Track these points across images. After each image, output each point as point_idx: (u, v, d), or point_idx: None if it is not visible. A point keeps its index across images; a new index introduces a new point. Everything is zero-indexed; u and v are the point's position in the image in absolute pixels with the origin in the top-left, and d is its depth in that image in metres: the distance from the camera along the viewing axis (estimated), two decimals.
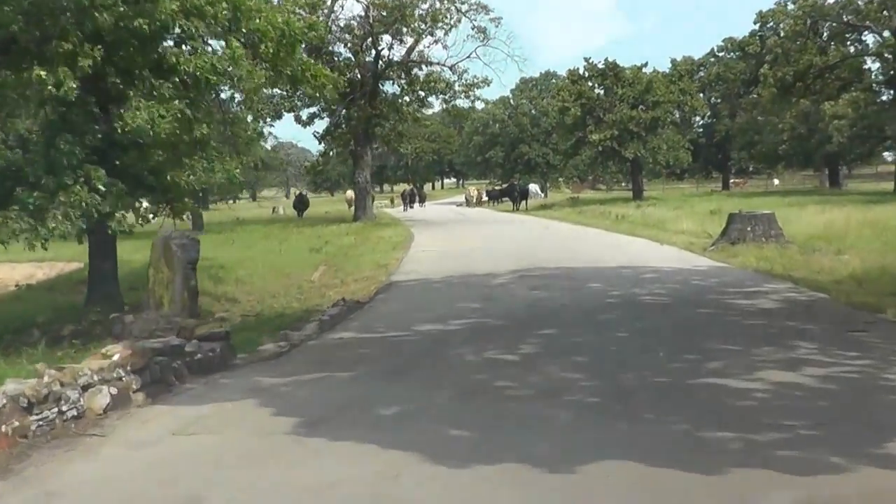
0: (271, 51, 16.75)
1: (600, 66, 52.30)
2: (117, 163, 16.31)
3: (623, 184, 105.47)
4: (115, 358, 7.21)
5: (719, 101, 72.37)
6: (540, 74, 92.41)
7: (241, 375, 8.63)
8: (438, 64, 39.86)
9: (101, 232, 15.35)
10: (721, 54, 73.83)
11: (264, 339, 10.78)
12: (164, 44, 15.82)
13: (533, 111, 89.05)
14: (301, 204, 49.56)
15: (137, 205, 17.36)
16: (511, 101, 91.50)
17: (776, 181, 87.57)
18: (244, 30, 16.34)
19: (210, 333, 9.13)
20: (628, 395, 7.15)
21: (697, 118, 70.95)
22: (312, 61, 18.93)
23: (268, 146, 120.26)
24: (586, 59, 52.76)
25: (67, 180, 14.55)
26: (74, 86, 13.39)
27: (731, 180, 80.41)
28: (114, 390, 6.98)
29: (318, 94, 39.34)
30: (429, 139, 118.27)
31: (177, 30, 15.31)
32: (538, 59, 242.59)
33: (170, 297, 10.51)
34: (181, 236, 10.45)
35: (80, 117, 16.02)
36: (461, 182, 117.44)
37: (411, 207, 62.64)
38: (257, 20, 16.17)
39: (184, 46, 16.13)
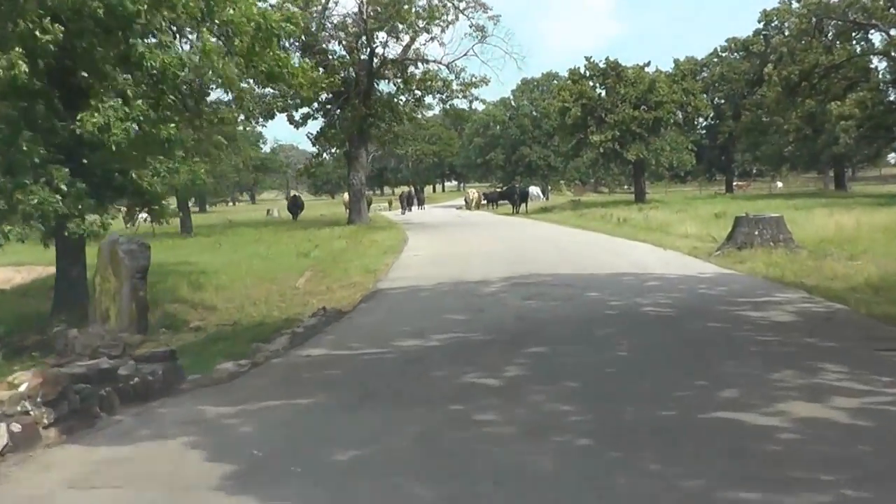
0: (246, 45, 15.70)
1: (602, 65, 51.17)
2: (84, 162, 15.36)
3: (625, 186, 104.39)
4: (23, 388, 6.10)
5: (723, 101, 71.17)
6: (542, 75, 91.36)
7: (184, 403, 7.52)
8: (435, 62, 38.80)
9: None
10: (724, 54, 72.76)
11: (220, 359, 9.65)
12: (133, 40, 14.75)
13: (534, 112, 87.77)
14: (295, 206, 48.46)
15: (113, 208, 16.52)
16: (512, 102, 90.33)
17: (779, 184, 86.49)
18: (217, 21, 15.31)
19: (151, 353, 8.02)
20: (627, 434, 6.01)
21: (701, 119, 69.79)
22: (287, 56, 17.80)
23: (266, 148, 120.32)
24: (587, 59, 51.69)
25: (26, 180, 13.56)
26: (26, 68, 12.34)
27: (735, 183, 79.29)
28: (17, 427, 5.88)
29: (310, 95, 38.69)
30: (429, 141, 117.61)
31: (143, 20, 14.24)
32: (539, 60, 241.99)
33: (117, 309, 9.38)
34: (129, 241, 9.34)
35: (42, 113, 15.04)
36: (462, 185, 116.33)
37: (409, 210, 61.52)
38: (231, 10, 15.10)
39: (151, 39, 15.10)
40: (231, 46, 15.90)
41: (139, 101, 14.74)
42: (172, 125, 15.30)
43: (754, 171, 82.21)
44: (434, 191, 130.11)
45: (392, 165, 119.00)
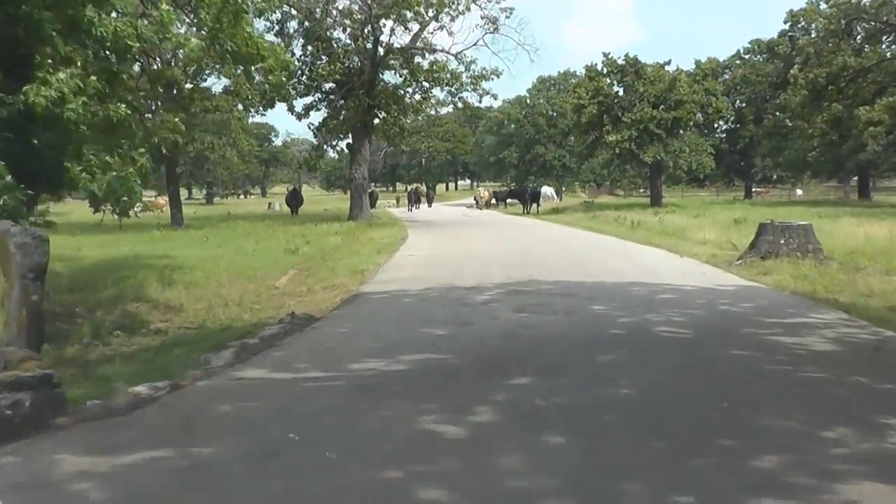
0: (212, 18, 13.94)
1: (620, 61, 49.13)
2: (35, 142, 13.66)
3: (641, 190, 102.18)
4: None
5: (744, 105, 68.93)
6: (559, 73, 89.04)
7: (42, 450, 5.68)
8: (442, 51, 36.86)
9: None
10: (747, 56, 70.66)
11: (118, 384, 7.85)
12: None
13: (551, 111, 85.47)
14: (294, 200, 46.53)
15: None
16: (528, 100, 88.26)
17: (799, 191, 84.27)
18: None
19: (16, 379, 6.17)
20: None
21: (721, 122, 67.66)
22: (259, 37, 16.04)
23: (278, 141, 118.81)
24: (605, 55, 49.69)
25: None
26: None
27: (753, 189, 77.12)
28: None
29: (279, 80, 36.92)
30: (442, 138, 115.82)
31: None
32: (557, 62, 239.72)
33: (5, 316, 7.57)
34: (24, 233, 7.48)
35: None
36: (475, 183, 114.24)
37: (417, 208, 59.62)
38: None
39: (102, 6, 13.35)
40: (196, 20, 14.21)
41: (92, 77, 13.09)
42: (124, 105, 13.59)
43: (774, 177, 79.72)
44: (447, 189, 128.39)
45: (404, 162, 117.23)
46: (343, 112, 36.70)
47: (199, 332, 13.36)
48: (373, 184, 61.30)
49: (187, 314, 15.14)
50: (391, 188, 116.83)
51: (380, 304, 14.09)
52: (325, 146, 39.72)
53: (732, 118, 68.15)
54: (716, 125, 66.78)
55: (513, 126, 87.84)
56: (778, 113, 60.91)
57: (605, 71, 49.54)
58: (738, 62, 70.86)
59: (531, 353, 9.09)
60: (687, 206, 49.18)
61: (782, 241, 19.06)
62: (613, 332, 10.38)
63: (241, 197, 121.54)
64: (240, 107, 35.83)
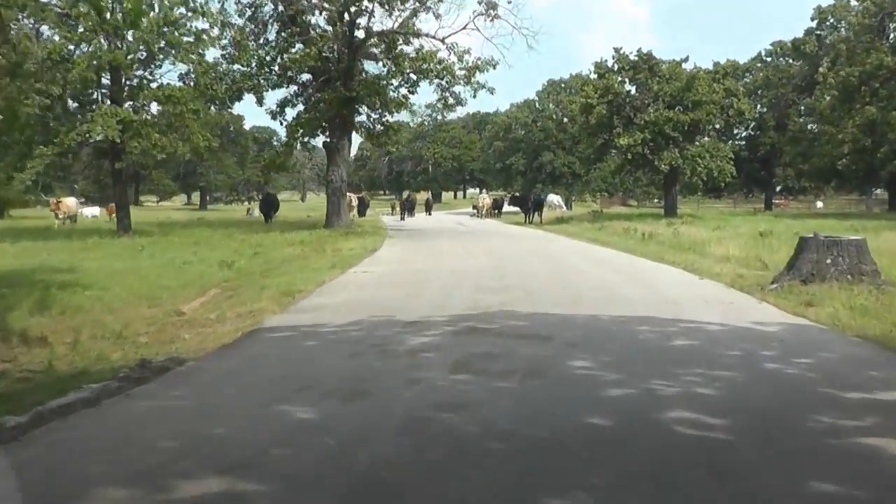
0: None
1: (633, 56, 44.65)
2: None
3: (656, 200, 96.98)
4: None
5: (765, 110, 64.23)
6: (570, 76, 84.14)
7: None
8: (428, 36, 32.55)
9: None
10: (769, 59, 66.21)
11: None
12: None
13: (562, 117, 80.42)
14: (267, 206, 41.93)
15: None
16: (537, 103, 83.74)
17: (819, 203, 79.68)
18: None
19: None
20: None
21: (739, 129, 63.10)
22: None
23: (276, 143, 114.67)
24: (616, 49, 45.14)
25: None
26: None
27: (774, 200, 72.55)
28: None
29: (287, 73, 32.86)
30: (448, 144, 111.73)
31: None
32: (571, 69, 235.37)
33: None
34: None
35: None
36: (482, 191, 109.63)
37: (411, 216, 55.27)
38: None
39: None
40: None
41: None
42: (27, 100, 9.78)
43: (797, 187, 74.95)
44: (455, 197, 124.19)
45: (409, 168, 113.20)
46: (316, 105, 32.48)
47: (37, 377, 9.35)
48: (363, 189, 57.11)
49: (47, 350, 11.06)
50: (396, 196, 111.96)
51: (273, 346, 9.96)
52: (295, 144, 35.28)
53: (752, 124, 63.66)
54: (734, 131, 62.27)
55: (521, 131, 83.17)
56: (803, 118, 56.45)
57: (615, 68, 44.98)
58: (759, 65, 66.37)
59: (428, 484, 4.84)
60: (704, 218, 44.81)
61: (829, 261, 14.95)
62: (593, 422, 6.11)
63: (246, 203, 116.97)
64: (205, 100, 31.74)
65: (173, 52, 28.43)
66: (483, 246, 27.04)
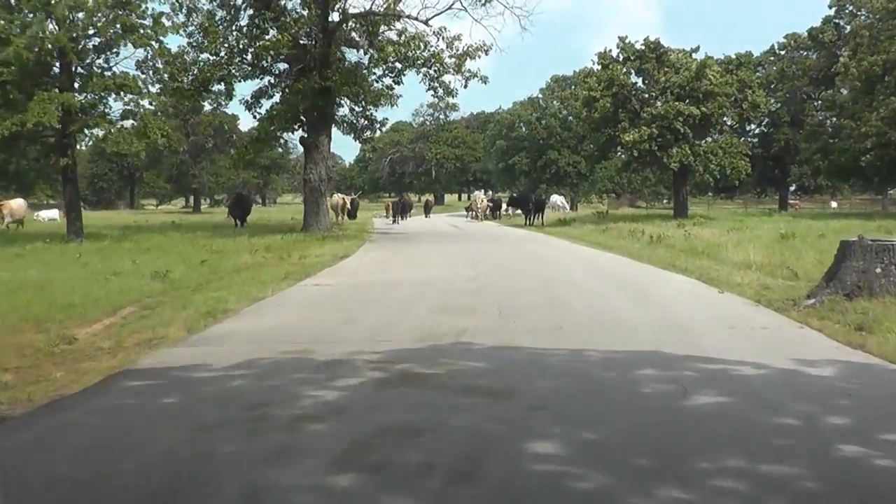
0: None
1: (639, 45, 41.35)
2: None
3: (665, 201, 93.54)
4: None
5: (779, 105, 60.70)
6: (574, 73, 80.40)
7: None
8: (410, 17, 29.38)
9: None
10: (783, 52, 62.82)
11: None
12: None
13: (566, 115, 76.70)
14: (238, 208, 37.77)
15: None
16: (541, 101, 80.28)
17: (833, 204, 76.37)
18: None
19: None
20: None
21: (752, 125, 59.60)
22: None
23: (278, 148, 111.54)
24: (621, 38, 41.88)
25: None
26: None
27: (789, 200, 69.21)
28: None
29: (260, 62, 29.86)
30: (451, 144, 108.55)
31: None
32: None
33: None
34: None
35: None
36: (486, 191, 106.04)
37: (403, 219, 52.06)
38: None
39: None
40: None
41: None
42: None
43: (812, 186, 71.51)
44: (459, 199, 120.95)
45: (410, 170, 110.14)
46: (290, 95, 29.39)
47: None
48: (352, 191, 53.90)
49: None
50: (398, 197, 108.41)
51: (110, 407, 6.95)
52: (266, 138, 32.12)
53: (766, 120, 60.27)
54: (746, 128, 58.80)
55: (524, 129, 79.66)
56: (821, 111, 53.18)
57: (620, 58, 41.67)
58: (772, 58, 62.95)
59: None
60: (717, 218, 41.60)
61: (878, 270, 12.08)
62: None
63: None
64: (154, 87, 28.77)
65: (127, 36, 25.48)
66: (468, 251, 23.97)
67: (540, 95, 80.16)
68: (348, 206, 45.55)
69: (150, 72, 27.40)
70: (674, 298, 13.18)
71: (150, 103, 27.05)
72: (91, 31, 25.89)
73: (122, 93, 26.00)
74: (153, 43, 26.89)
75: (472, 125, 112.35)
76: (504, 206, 52.20)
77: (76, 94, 25.82)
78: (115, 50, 26.96)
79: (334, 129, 33.47)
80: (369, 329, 10.14)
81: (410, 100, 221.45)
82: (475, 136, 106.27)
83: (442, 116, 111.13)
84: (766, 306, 11.99)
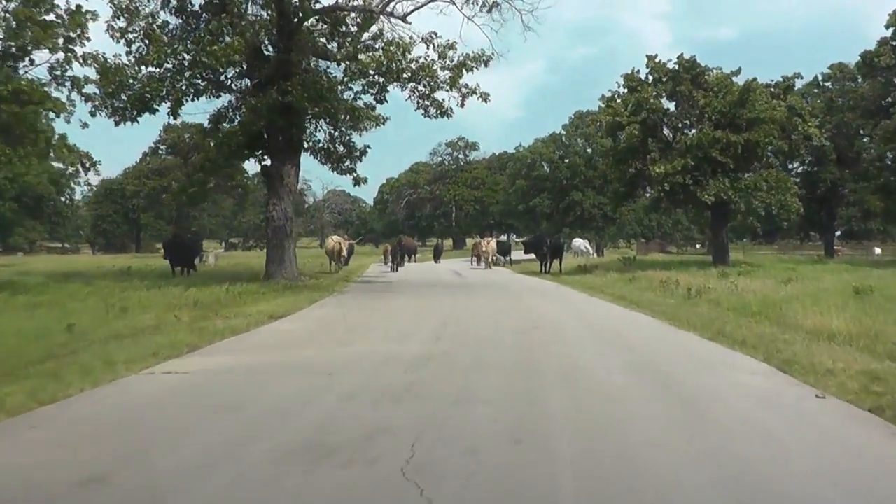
0: None
1: (672, 65, 35.60)
2: None
3: (698, 246, 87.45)
4: None
5: (825, 142, 54.69)
6: (599, 108, 74.68)
7: None
8: (384, 14, 24.00)
9: None
10: (827, 84, 57.02)
11: None
12: None
13: (590, 151, 70.96)
14: (173, 254, 31.22)
15: None
16: (563, 138, 74.68)
17: (877, 250, 70.21)
18: None
19: None
20: None
21: (797, 163, 53.73)
22: None
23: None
24: (650, 58, 36.20)
25: None
26: None
27: (835, 246, 62.98)
28: None
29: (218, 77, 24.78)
30: (471, 185, 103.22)
31: None
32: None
33: None
34: None
35: None
36: (509, 236, 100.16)
37: (402, 265, 46.46)
38: None
39: None
40: None
41: None
42: None
43: (862, 230, 65.41)
44: None
45: (426, 212, 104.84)
46: (244, 114, 24.13)
47: None
48: (346, 236, 48.09)
49: None
50: (421, 243, 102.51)
51: None
52: (211, 168, 26.59)
53: (809, 159, 54.29)
54: (789, 166, 52.85)
55: (545, 167, 73.89)
56: (876, 145, 47.33)
57: (650, 79, 36.00)
58: (815, 90, 57.11)
59: None
60: (762, 266, 35.64)
61: None
62: None
63: (261, 250, 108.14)
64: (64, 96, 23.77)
65: (30, 34, 20.41)
66: (448, 309, 18.45)
67: (563, 132, 74.50)
68: (344, 252, 39.87)
69: (68, 82, 22.35)
70: (735, 405, 7.62)
71: (66, 119, 21.88)
72: None
73: (9, 103, 20.85)
74: (74, 48, 21.84)
75: (493, 166, 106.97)
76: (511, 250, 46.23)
77: None
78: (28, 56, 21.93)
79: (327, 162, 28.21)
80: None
81: (426, 141, 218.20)
82: (496, 177, 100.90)
83: (461, 156, 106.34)
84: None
